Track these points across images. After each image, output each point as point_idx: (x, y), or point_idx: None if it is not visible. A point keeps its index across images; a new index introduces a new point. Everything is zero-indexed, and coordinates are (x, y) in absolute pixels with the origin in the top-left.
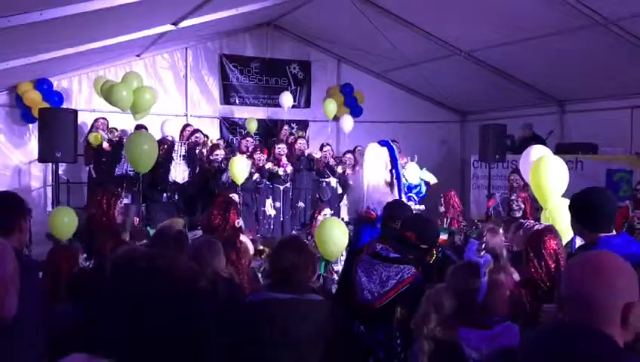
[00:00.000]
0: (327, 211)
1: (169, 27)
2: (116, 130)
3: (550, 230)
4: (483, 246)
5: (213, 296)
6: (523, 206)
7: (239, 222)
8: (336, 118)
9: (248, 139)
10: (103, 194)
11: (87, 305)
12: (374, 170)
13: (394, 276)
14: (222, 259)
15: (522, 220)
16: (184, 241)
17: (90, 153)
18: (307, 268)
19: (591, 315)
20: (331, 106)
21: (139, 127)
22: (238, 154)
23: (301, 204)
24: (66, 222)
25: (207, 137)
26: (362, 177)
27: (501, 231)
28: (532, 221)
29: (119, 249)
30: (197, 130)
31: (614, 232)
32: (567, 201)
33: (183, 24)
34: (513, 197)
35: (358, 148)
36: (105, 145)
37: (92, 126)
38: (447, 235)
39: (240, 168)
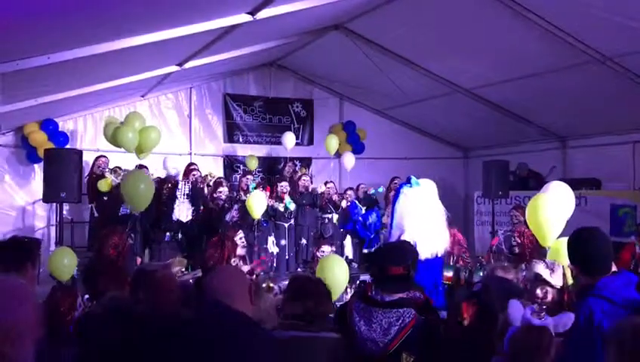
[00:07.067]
0: (327, 248)
1: (174, 68)
2: (120, 168)
3: None
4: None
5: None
6: (519, 241)
7: (235, 261)
8: (338, 155)
9: (248, 177)
10: (111, 235)
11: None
12: None
13: (395, 322)
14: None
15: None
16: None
17: (93, 192)
18: (325, 305)
19: None
20: (333, 142)
21: (140, 167)
22: (241, 192)
23: (303, 241)
24: (66, 263)
25: (207, 175)
26: None
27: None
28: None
29: (113, 293)
30: (194, 167)
31: (615, 269)
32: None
33: (188, 65)
34: (511, 234)
35: (362, 185)
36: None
37: (93, 165)
38: (451, 273)
39: (258, 203)
